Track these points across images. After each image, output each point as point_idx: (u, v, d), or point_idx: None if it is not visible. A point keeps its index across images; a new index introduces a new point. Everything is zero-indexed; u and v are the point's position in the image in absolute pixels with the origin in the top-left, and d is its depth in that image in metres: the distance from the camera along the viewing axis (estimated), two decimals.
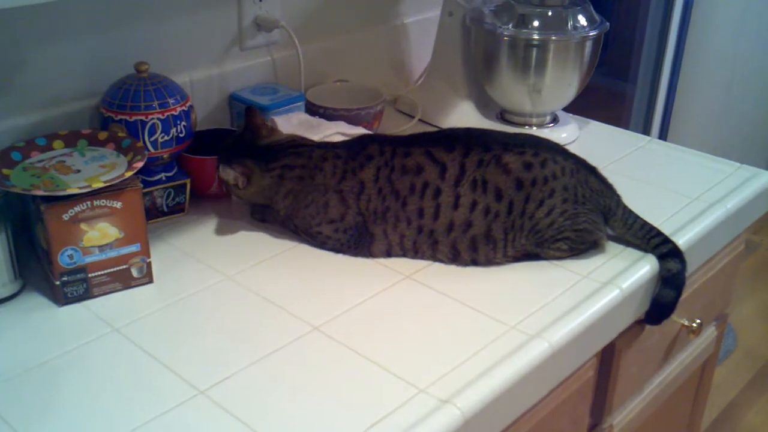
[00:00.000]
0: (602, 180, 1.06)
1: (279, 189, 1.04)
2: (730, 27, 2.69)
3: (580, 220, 1.01)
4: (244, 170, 1.04)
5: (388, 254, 1.03)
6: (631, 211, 1.05)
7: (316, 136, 1.15)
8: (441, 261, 1.02)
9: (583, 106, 1.49)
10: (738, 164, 1.31)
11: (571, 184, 1.01)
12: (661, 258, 1.03)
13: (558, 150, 1.05)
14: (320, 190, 1.02)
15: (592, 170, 1.06)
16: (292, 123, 1.18)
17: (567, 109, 1.44)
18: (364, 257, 1.03)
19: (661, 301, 1.03)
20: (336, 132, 1.19)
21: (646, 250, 1.04)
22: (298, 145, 1.06)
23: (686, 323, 1.21)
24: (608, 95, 2.90)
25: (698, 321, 1.21)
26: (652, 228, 1.04)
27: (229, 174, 1.04)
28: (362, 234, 1.02)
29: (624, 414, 1.18)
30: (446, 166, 1.00)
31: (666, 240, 1.03)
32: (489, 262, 1.01)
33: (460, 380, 0.82)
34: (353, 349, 0.86)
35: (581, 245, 1.03)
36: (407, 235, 1.01)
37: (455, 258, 1.01)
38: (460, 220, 1.00)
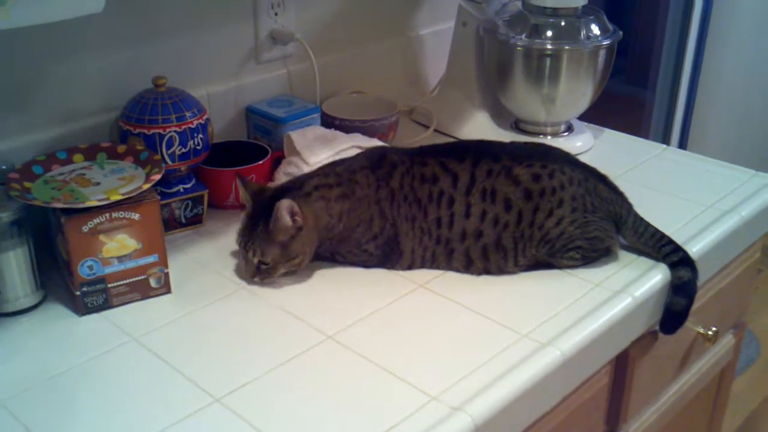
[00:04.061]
0: (613, 188, 1.06)
1: (331, 212, 1.01)
2: (750, 34, 2.68)
3: (590, 228, 1.01)
4: (289, 205, 0.97)
5: (410, 268, 1.04)
6: (642, 219, 1.06)
7: (331, 150, 1.17)
8: (456, 270, 1.03)
9: (603, 114, 1.50)
10: (753, 171, 1.30)
11: (580, 193, 1.01)
12: (672, 266, 1.03)
13: (567, 160, 1.06)
14: (364, 205, 1.02)
15: (602, 178, 1.07)
16: (307, 138, 1.19)
17: (585, 117, 1.45)
18: (386, 269, 1.04)
19: (673, 310, 1.03)
20: (352, 146, 1.19)
21: (657, 259, 1.05)
22: (311, 175, 1.05)
23: (702, 331, 1.21)
24: (628, 103, 2.90)
25: (714, 329, 1.20)
26: (663, 236, 1.05)
27: (285, 218, 0.96)
28: (393, 249, 1.03)
29: (640, 422, 1.18)
30: (458, 176, 1.01)
31: (677, 248, 1.04)
32: (500, 271, 1.02)
33: (472, 388, 0.82)
34: (366, 357, 0.88)
35: (593, 253, 1.03)
36: (429, 246, 1.03)
37: (469, 266, 1.02)
38: (471, 229, 1.01)
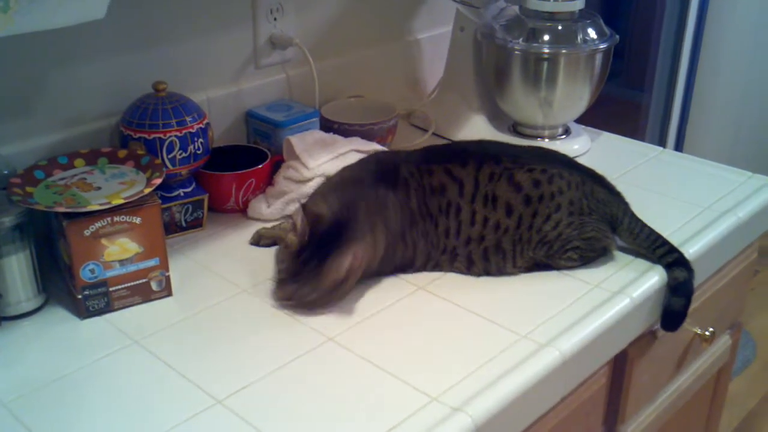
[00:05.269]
0: (610, 189, 1.08)
1: (377, 250, 0.99)
2: (745, 37, 2.69)
3: (587, 229, 1.02)
4: (351, 261, 0.93)
5: (415, 272, 1.04)
6: (638, 220, 1.07)
7: (331, 154, 1.17)
8: (457, 271, 1.04)
9: (600, 117, 1.51)
10: (750, 173, 1.31)
11: (577, 197, 1.03)
12: (668, 267, 1.04)
13: (565, 162, 1.07)
14: (397, 238, 1.01)
15: (599, 180, 1.08)
16: (307, 142, 1.20)
17: (582, 120, 1.46)
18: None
19: (671, 310, 1.04)
20: (351, 149, 1.20)
21: (652, 260, 1.06)
22: (355, 203, 0.99)
23: (699, 332, 1.21)
24: (624, 106, 2.91)
25: (711, 329, 1.21)
26: (658, 237, 1.05)
27: (341, 271, 0.92)
28: (406, 267, 1.04)
29: (638, 423, 1.19)
30: (463, 182, 1.02)
31: (671, 249, 1.05)
32: (500, 272, 1.03)
33: (472, 389, 0.83)
34: (367, 359, 0.88)
35: (591, 253, 1.04)
36: (436, 256, 1.03)
37: (470, 268, 1.03)
38: (475, 235, 1.02)
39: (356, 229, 0.96)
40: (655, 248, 1.05)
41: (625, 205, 1.08)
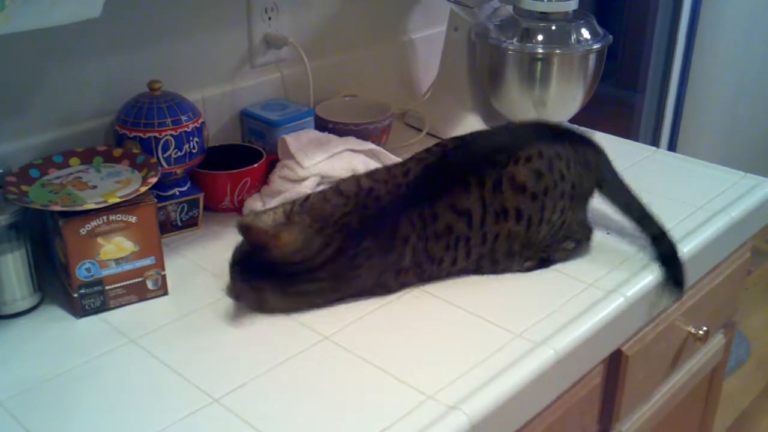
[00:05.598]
0: (597, 151, 1.08)
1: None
2: (738, 37, 2.71)
3: (577, 211, 1.05)
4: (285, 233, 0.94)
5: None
6: (622, 182, 1.09)
7: (325, 154, 1.17)
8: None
9: (593, 117, 1.51)
10: (743, 173, 1.32)
11: (577, 175, 1.03)
12: (653, 241, 1.07)
13: (557, 135, 1.06)
14: (403, 270, 0.99)
15: (588, 143, 1.08)
16: (301, 141, 1.20)
17: (576, 120, 1.46)
18: None
19: (669, 279, 1.06)
20: (345, 149, 1.20)
21: (630, 220, 1.09)
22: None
23: (693, 331, 1.22)
24: (617, 106, 2.92)
25: (705, 328, 1.22)
26: (639, 204, 1.08)
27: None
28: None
29: (632, 421, 1.19)
30: (471, 212, 0.98)
31: (652, 222, 1.07)
32: (506, 271, 1.04)
33: (468, 387, 0.83)
34: (363, 357, 0.89)
35: (583, 234, 1.07)
36: (433, 277, 1.02)
37: (477, 271, 1.03)
38: (486, 251, 1.01)
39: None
40: (633, 211, 1.08)
41: (609, 163, 1.09)
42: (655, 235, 1.07)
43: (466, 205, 0.98)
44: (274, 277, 0.95)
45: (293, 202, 1.01)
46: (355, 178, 1.02)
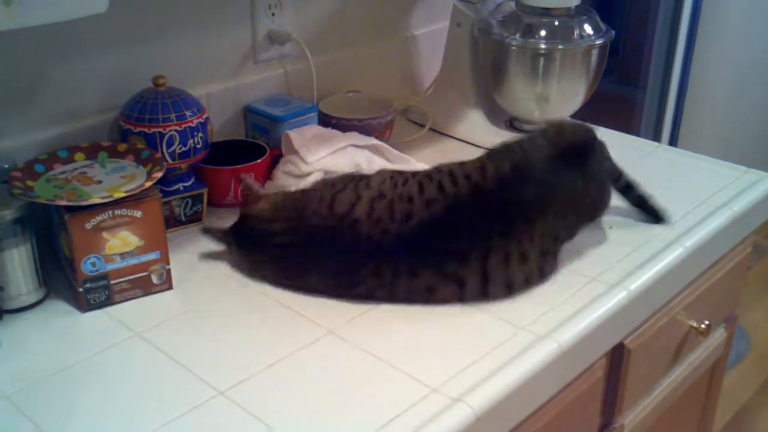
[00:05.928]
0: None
1: None
2: (739, 32, 2.70)
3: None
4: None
5: None
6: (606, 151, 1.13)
7: (329, 149, 1.18)
8: None
9: (594, 112, 1.51)
10: (745, 168, 1.33)
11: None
12: (624, 191, 1.15)
13: (545, 144, 1.04)
14: None
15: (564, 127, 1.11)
16: (305, 137, 1.20)
17: (578, 116, 1.46)
18: None
19: (650, 216, 1.15)
20: (348, 144, 1.20)
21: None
22: None
23: (695, 325, 1.23)
24: (619, 102, 2.92)
25: (707, 322, 1.23)
26: (619, 171, 1.14)
27: None
28: None
29: (635, 414, 1.20)
30: (464, 282, 0.95)
31: (621, 175, 1.14)
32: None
33: (472, 379, 0.84)
34: (367, 350, 0.89)
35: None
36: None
37: None
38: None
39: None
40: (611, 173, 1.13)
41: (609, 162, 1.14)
42: (626, 185, 1.15)
43: (459, 275, 0.95)
44: (243, 238, 1.03)
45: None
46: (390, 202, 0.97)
